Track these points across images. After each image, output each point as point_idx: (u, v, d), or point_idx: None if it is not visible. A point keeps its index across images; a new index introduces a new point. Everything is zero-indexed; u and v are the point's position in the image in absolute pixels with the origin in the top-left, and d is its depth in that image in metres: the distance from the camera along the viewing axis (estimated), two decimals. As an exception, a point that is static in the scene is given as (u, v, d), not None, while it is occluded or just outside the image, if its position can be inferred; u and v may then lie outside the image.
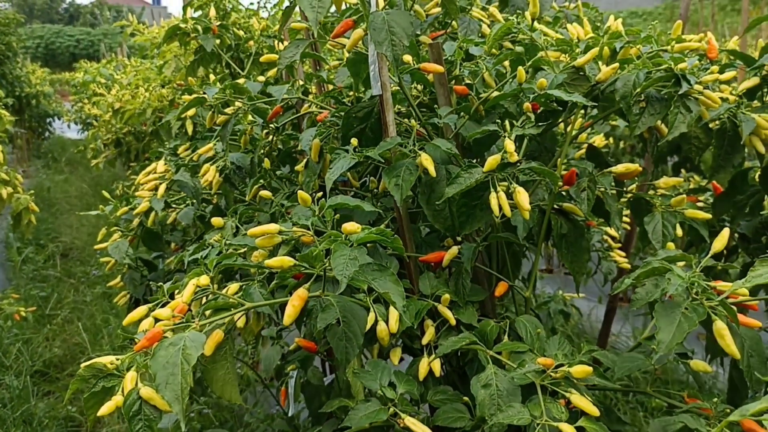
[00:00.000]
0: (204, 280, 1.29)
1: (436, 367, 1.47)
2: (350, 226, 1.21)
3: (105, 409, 1.14)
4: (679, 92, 1.48)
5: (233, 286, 1.46)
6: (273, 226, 1.32)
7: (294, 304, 1.22)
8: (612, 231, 2.87)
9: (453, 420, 1.40)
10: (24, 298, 6.13)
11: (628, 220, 2.99)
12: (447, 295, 1.52)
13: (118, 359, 1.20)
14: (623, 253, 2.92)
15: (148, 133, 5.63)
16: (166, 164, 2.32)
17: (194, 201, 3.08)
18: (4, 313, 5.20)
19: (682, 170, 2.60)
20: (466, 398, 1.43)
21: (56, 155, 14.83)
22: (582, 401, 1.24)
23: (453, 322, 1.52)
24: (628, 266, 2.89)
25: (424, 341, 1.53)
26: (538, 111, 1.64)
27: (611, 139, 4.67)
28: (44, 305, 6.22)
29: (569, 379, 1.32)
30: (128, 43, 10.53)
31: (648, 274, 1.25)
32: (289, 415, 2.67)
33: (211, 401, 4.24)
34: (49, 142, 16.76)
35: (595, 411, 1.23)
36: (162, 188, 2.25)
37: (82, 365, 1.18)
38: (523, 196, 1.39)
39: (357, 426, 1.29)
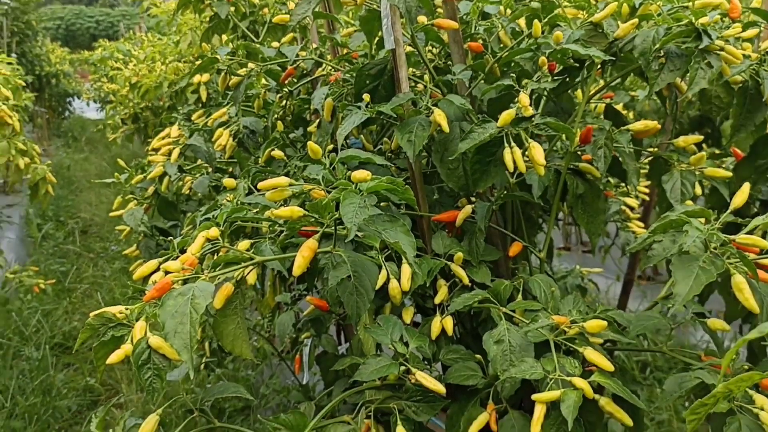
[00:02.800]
0: (214, 232, 1.28)
1: (449, 325, 1.46)
2: (360, 174, 1.19)
3: (114, 358, 1.13)
4: (700, 47, 1.44)
5: (244, 243, 1.45)
6: (283, 179, 1.30)
7: (303, 254, 1.20)
8: (630, 201, 2.83)
9: (465, 378, 1.39)
10: (44, 273, 6.19)
11: (646, 190, 2.94)
12: (460, 254, 1.50)
13: (127, 309, 1.20)
14: (641, 224, 2.88)
15: (165, 108, 5.63)
16: (179, 129, 2.31)
17: (209, 170, 3.08)
18: (23, 286, 5.26)
19: (704, 146, 2.56)
20: (479, 356, 1.42)
21: (76, 134, 14.92)
22: (597, 356, 1.22)
23: (466, 281, 1.50)
24: (647, 237, 2.84)
25: (437, 300, 1.51)
26: (555, 71, 1.61)
27: (631, 114, 4.60)
28: (64, 279, 6.28)
29: (584, 335, 1.30)
30: (147, 23, 10.54)
31: (665, 227, 1.22)
32: (304, 382, 2.68)
33: (227, 373, 4.27)
34: (68, 121, 16.87)
35: (609, 366, 1.21)
36: (175, 153, 2.25)
37: (92, 314, 1.18)
38: (537, 151, 1.36)
39: (367, 379, 1.28)
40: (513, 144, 1.38)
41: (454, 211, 1.58)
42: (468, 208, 1.57)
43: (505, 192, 1.62)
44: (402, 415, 1.35)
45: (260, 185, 1.32)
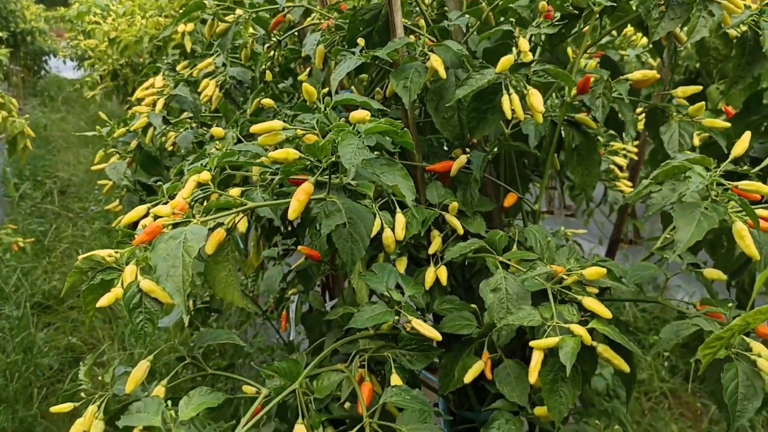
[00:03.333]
0: (205, 175, 1.24)
1: (443, 275, 1.44)
2: (359, 114, 1.16)
3: (104, 301, 1.10)
4: (702, -6, 1.42)
5: (234, 191, 1.41)
6: (277, 123, 1.27)
7: (299, 198, 1.17)
8: (619, 160, 2.83)
9: (460, 327, 1.37)
10: (22, 232, 6.10)
11: (635, 150, 2.93)
12: (455, 204, 1.48)
13: (117, 252, 1.16)
14: (630, 183, 2.88)
15: (145, 65, 5.51)
16: (164, 79, 2.25)
17: (193, 126, 3.02)
18: (2, 244, 5.18)
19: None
20: (474, 306, 1.40)
21: (52, 94, 14.63)
22: (594, 303, 1.21)
23: (461, 231, 1.48)
24: (635, 196, 2.84)
25: (431, 251, 1.49)
26: (553, 20, 1.57)
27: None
28: (43, 239, 6.20)
29: (581, 284, 1.29)
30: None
31: (667, 174, 1.21)
32: (290, 339, 2.66)
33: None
34: (45, 80, 16.54)
35: (607, 313, 1.20)
36: (160, 103, 2.19)
37: (80, 257, 1.14)
38: (536, 98, 1.33)
39: (362, 327, 1.26)
40: (512, 91, 1.35)
41: (449, 161, 1.56)
42: (463, 158, 1.54)
43: (501, 142, 1.59)
44: (396, 364, 1.33)
45: (253, 129, 1.28)
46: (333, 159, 1.17)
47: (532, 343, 1.17)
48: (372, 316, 1.27)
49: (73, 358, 4.42)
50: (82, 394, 1.34)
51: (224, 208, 1.27)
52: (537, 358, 1.17)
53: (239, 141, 1.79)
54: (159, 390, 1.25)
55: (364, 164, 1.15)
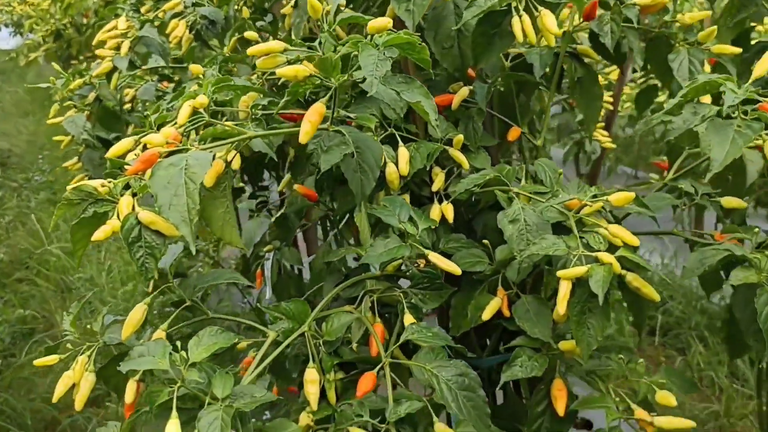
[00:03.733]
0: (202, 99, 1.13)
1: (449, 212, 1.36)
2: (378, 22, 1.06)
3: (100, 234, 0.99)
4: None
5: (227, 124, 1.31)
6: (277, 43, 1.16)
7: (311, 119, 1.08)
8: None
9: (471, 264, 1.30)
10: (-39, 203, 5.82)
11: (610, 99, 2.89)
12: (460, 137, 1.40)
13: (110, 181, 1.05)
14: (606, 133, 2.84)
15: (90, 25, 5.26)
16: (128, 20, 2.10)
17: (154, 79, 2.86)
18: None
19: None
20: (486, 241, 1.33)
21: (-16, 65, 13.95)
22: (621, 231, 1.15)
23: (466, 165, 1.41)
24: (612, 146, 2.82)
25: (434, 188, 1.42)
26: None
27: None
28: (-15, 210, 5.92)
29: (600, 214, 1.23)
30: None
31: (697, 91, 1.15)
32: (267, 298, 2.56)
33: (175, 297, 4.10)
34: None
35: (635, 240, 1.14)
36: (125, 46, 2.04)
37: (68, 187, 1.03)
38: (549, 18, 1.26)
39: (376, 262, 1.18)
40: (522, 12, 1.28)
41: (449, 95, 1.48)
42: (465, 90, 1.46)
43: (503, 73, 1.52)
44: (408, 303, 1.26)
45: (251, 50, 1.17)
46: (346, 77, 1.07)
47: (559, 273, 1.11)
48: (386, 251, 1.19)
49: (26, 330, 4.24)
50: (69, 345, 1.23)
51: (220, 138, 1.16)
52: (565, 288, 1.10)
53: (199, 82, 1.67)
54: (159, 334, 1.15)
55: (382, 81, 1.06)
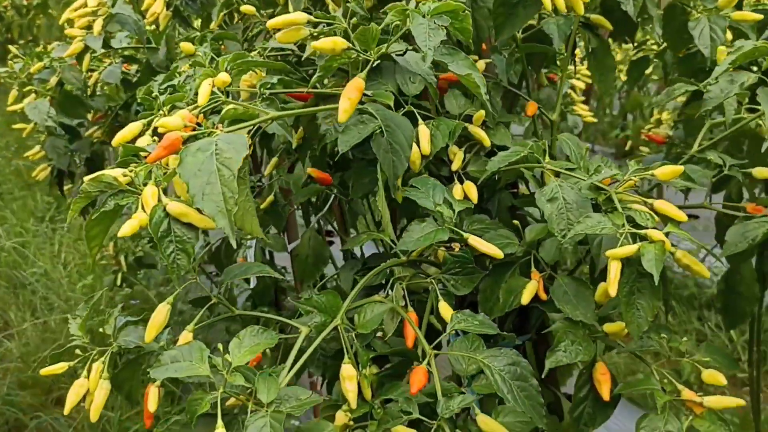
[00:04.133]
0: (224, 77, 1.03)
1: (473, 192, 1.30)
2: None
3: (128, 229, 0.89)
4: None
5: (247, 105, 1.21)
6: (300, 15, 1.07)
7: (350, 96, 0.99)
8: (577, 83, 2.76)
9: (502, 246, 1.23)
10: None
11: (587, 73, 2.87)
12: (481, 112, 1.33)
13: (131, 171, 0.95)
14: (586, 107, 2.83)
15: (32, 6, 5.01)
16: (99, -4, 1.96)
17: (117, 60, 2.71)
18: None
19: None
20: (516, 221, 1.27)
21: None
22: (666, 206, 1.11)
23: (488, 143, 1.34)
24: (593, 120, 2.80)
25: (454, 167, 1.34)
26: None
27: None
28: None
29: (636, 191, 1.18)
30: None
31: (746, 57, 1.11)
32: (251, 286, 2.47)
33: (138, 290, 3.96)
34: None
35: (682, 216, 1.10)
36: (98, 24, 1.91)
37: (86, 179, 0.92)
38: (578, -14, 1.20)
39: (414, 248, 1.11)
40: (549, -20, 1.21)
41: (465, 69, 1.40)
42: (481, 63, 1.39)
43: (519, 45, 1.45)
44: (442, 290, 1.19)
45: (271, 23, 1.08)
46: (384, 49, 0.99)
47: (608, 253, 1.06)
48: (423, 235, 1.12)
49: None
50: (78, 351, 1.13)
51: (240, 120, 1.07)
52: (615, 269, 1.05)
53: (213, 59, 1.56)
54: (186, 336, 1.05)
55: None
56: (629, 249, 1.05)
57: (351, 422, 1.09)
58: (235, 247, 0.90)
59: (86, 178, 0.92)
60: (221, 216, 0.88)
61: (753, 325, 1.88)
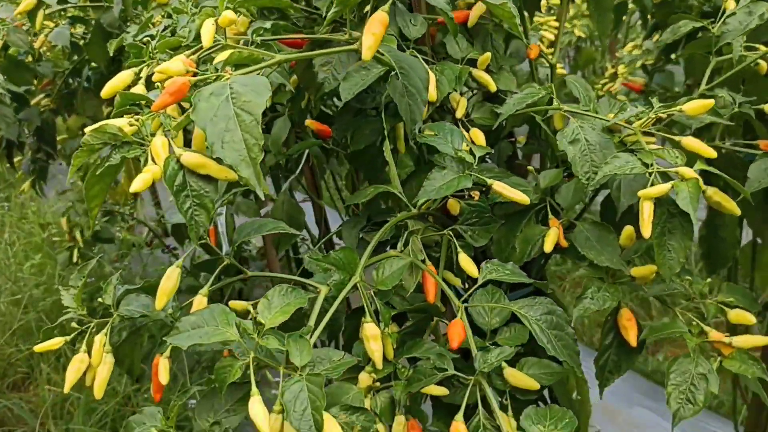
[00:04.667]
0: (230, 15, 0.94)
1: (481, 139, 1.23)
2: None
3: (140, 183, 0.80)
4: None
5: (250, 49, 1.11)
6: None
7: (374, 31, 0.91)
8: (547, 33, 2.71)
9: (516, 193, 1.19)
10: None
11: (556, 24, 2.82)
12: (487, 55, 1.27)
13: (137, 119, 0.85)
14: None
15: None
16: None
17: (64, 22, 2.56)
18: None
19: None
20: (531, 167, 1.22)
21: None
22: (695, 142, 1.07)
23: (493, 87, 1.28)
24: (563, 72, 2.76)
25: (458, 115, 1.28)
26: None
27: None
28: None
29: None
30: None
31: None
32: (224, 253, 2.36)
33: (94, 269, 3.80)
34: None
35: (711, 153, 1.06)
36: (52, -22, 1.76)
37: (87, 129, 0.82)
38: None
39: (436, 197, 1.04)
40: None
41: (465, 11, 1.33)
42: (481, 5, 1.32)
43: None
44: (462, 242, 1.14)
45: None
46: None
47: (640, 193, 1.01)
48: (446, 183, 1.05)
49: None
50: (74, 325, 1.03)
51: (243, 65, 0.98)
52: (648, 209, 1.01)
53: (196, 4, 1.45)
54: (200, 300, 0.97)
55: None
56: (662, 188, 1.00)
57: (377, 383, 1.03)
58: (263, 197, 0.81)
59: (88, 129, 0.82)
60: (244, 165, 0.80)
61: (731, 270, 1.90)
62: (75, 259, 3.03)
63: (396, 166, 1.22)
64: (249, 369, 0.81)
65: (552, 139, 1.28)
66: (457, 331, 0.95)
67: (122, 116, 0.91)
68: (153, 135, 0.84)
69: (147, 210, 4.37)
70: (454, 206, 1.21)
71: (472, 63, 1.30)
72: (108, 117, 2.70)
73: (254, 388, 0.80)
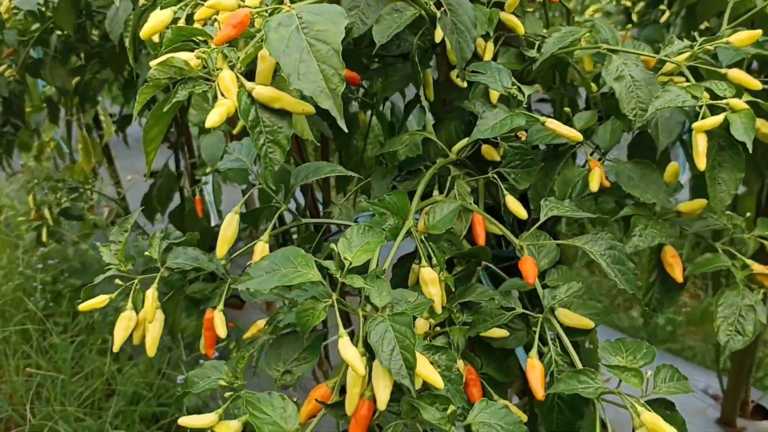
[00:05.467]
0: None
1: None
2: None
3: (216, 118, 0.74)
4: None
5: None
6: None
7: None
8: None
9: (553, 137, 1.17)
10: None
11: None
12: (514, -2, 1.25)
13: (204, 52, 0.79)
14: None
15: None
16: None
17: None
18: None
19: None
20: (567, 109, 1.21)
21: None
22: (741, 75, 1.07)
23: (521, 30, 1.26)
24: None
25: (486, 57, 1.26)
26: None
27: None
28: None
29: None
30: None
31: None
32: (213, 224, 2.30)
33: (58, 249, 3.66)
34: None
35: (757, 84, 1.06)
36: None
37: (152, 63, 0.76)
38: None
39: (489, 136, 1.02)
40: None
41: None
42: (504, -51, 1.29)
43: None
44: (507, 185, 1.12)
45: None
46: None
47: (694, 125, 1.01)
48: (499, 121, 1.03)
49: None
50: (118, 281, 0.98)
51: None
52: (702, 141, 1.01)
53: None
54: (262, 247, 0.92)
55: None
56: (715, 119, 1.00)
57: (436, 329, 1.01)
58: (345, 129, 0.76)
59: (153, 63, 0.76)
60: (324, 97, 0.76)
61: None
62: (44, 238, 2.91)
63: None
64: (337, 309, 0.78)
65: (586, 81, 1.27)
66: (531, 267, 0.93)
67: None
68: (219, 70, 0.79)
69: (107, 190, 4.23)
70: (489, 152, 1.19)
71: (499, 6, 1.27)
72: (76, 87, 2.57)
73: (342, 330, 0.77)
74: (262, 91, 0.78)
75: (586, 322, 1.02)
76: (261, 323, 1.04)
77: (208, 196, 2.25)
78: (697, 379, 2.73)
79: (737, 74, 1.07)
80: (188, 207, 2.70)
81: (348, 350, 0.75)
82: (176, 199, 2.91)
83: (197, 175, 2.40)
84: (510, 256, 1.42)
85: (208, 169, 2.15)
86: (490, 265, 1.12)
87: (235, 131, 1.91)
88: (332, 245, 0.79)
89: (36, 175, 3.63)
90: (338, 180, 2.06)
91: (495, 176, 1.13)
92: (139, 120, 3.57)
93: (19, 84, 2.50)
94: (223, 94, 0.78)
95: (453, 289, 1.04)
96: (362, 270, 0.86)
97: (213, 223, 2.28)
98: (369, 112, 2.30)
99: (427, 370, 0.78)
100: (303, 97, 0.79)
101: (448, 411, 0.78)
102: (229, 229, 0.90)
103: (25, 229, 3.53)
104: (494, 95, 1.15)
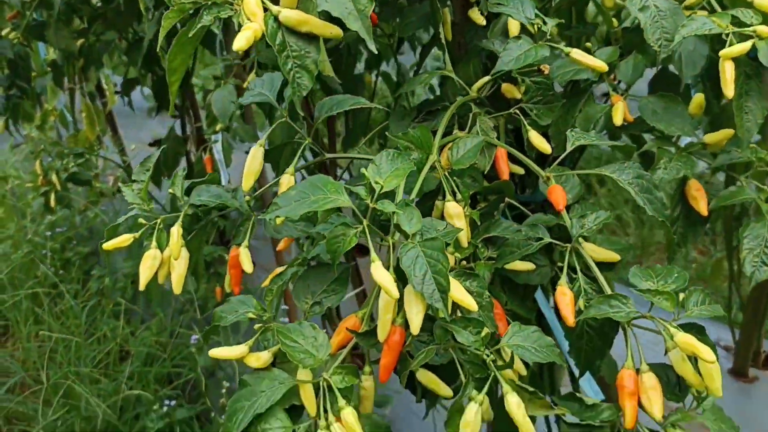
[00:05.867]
0: None
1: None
2: None
3: (243, 42, 0.72)
4: None
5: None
6: None
7: None
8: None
9: (575, 72, 1.16)
10: None
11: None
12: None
13: (227, -25, 0.78)
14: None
15: None
16: None
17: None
18: None
19: None
20: (588, 44, 1.19)
21: None
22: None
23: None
24: None
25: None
26: None
27: None
28: None
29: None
30: None
31: None
32: (223, 183, 2.28)
33: (63, 216, 3.66)
34: None
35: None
36: None
37: None
38: None
39: (513, 67, 1.00)
40: None
41: None
42: None
43: None
44: (530, 120, 1.11)
45: None
46: None
47: (722, 53, 1.00)
48: (523, 52, 1.01)
49: None
50: (141, 221, 0.97)
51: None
52: (730, 69, 0.99)
53: None
54: (288, 180, 0.91)
55: None
56: (743, 46, 0.99)
57: (462, 263, 1.00)
58: (375, 51, 0.75)
59: None
60: (352, 18, 0.75)
61: None
62: (52, 203, 2.91)
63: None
64: (364, 235, 0.77)
65: (607, 16, 1.25)
66: (560, 194, 0.92)
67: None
68: (243, -7, 0.78)
69: (112, 158, 4.22)
70: (510, 90, 1.18)
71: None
72: (80, 50, 2.54)
73: (374, 254, 0.76)
74: (288, 14, 0.76)
75: (613, 255, 1.01)
76: (279, 269, 1.03)
77: (217, 154, 2.23)
78: (709, 331, 2.73)
79: (764, 1, 1.04)
80: (197, 169, 2.70)
81: (381, 273, 0.75)
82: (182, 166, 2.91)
83: (206, 134, 2.38)
84: (530, 200, 1.41)
85: (219, 126, 2.13)
86: (514, 202, 1.11)
87: (245, 85, 1.90)
88: (362, 170, 0.78)
89: (40, 144, 3.62)
90: (347, 136, 2.05)
91: (517, 111, 1.11)
92: (141, 89, 3.55)
93: (23, 46, 2.48)
94: (249, 19, 0.76)
95: (478, 224, 1.03)
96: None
97: (223, 182, 2.27)
98: (374, 73, 2.28)
99: (461, 294, 0.78)
100: (330, 20, 0.78)
101: (482, 334, 0.77)
102: (254, 162, 0.89)
103: (33, 197, 3.52)
104: (513, 30, 1.14)
